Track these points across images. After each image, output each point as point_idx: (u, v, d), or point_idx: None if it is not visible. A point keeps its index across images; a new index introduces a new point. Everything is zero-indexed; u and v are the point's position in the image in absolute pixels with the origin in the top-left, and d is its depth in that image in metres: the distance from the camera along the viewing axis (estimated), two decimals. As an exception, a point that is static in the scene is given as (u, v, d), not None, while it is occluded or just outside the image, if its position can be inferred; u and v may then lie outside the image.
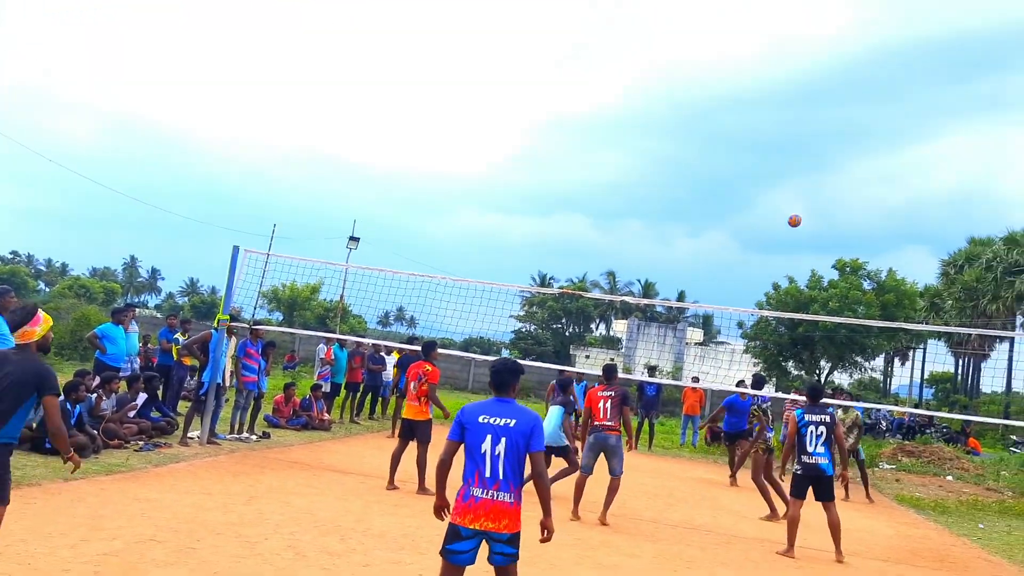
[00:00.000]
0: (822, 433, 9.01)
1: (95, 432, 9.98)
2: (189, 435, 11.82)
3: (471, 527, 4.49)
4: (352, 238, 32.24)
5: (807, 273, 35.66)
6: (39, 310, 5.15)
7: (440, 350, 11.22)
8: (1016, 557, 10.83)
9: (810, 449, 8.97)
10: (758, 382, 12.62)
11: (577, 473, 9.95)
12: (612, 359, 49.37)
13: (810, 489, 8.94)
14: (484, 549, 4.61)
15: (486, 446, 4.53)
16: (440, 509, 4.89)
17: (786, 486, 9.33)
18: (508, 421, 4.58)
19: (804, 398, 9.84)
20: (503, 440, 4.52)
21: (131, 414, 11.43)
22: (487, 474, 4.50)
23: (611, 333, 69.45)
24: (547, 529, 4.66)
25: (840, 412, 12.40)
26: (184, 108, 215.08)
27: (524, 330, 64.19)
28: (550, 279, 71.86)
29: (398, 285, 14.85)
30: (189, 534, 6.83)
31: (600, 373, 10.44)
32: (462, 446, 4.68)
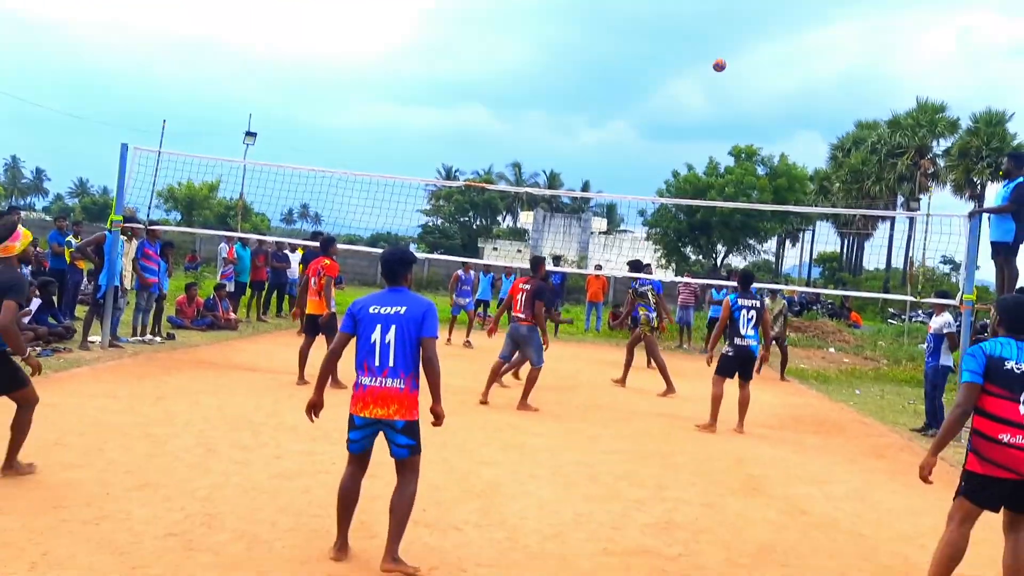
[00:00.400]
0: (752, 317, 9.56)
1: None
2: (89, 339, 11.58)
3: (363, 415, 4.52)
4: (248, 133, 31.08)
5: (706, 160, 36.55)
6: (19, 226, 5.48)
7: (348, 246, 11.32)
8: (887, 418, 11.86)
9: (743, 332, 9.54)
10: (635, 266, 13.07)
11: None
12: (519, 251, 49.95)
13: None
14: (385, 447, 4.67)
15: (375, 335, 4.53)
16: (313, 406, 4.82)
17: (713, 366, 9.82)
18: (398, 309, 4.58)
19: (735, 284, 10.43)
20: (392, 328, 4.53)
21: (25, 320, 11.08)
22: (376, 363, 4.51)
23: (518, 225, 69.81)
24: (436, 415, 4.69)
25: (769, 300, 12.83)
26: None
27: (431, 224, 63.90)
28: (456, 171, 71.21)
29: (300, 181, 14.57)
30: (96, 436, 6.83)
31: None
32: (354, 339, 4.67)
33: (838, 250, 55.87)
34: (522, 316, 9.94)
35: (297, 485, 6.01)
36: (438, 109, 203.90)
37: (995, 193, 10.08)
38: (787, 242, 61.13)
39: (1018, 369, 4.43)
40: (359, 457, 4.69)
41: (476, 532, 5.34)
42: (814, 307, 33.44)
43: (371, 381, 4.51)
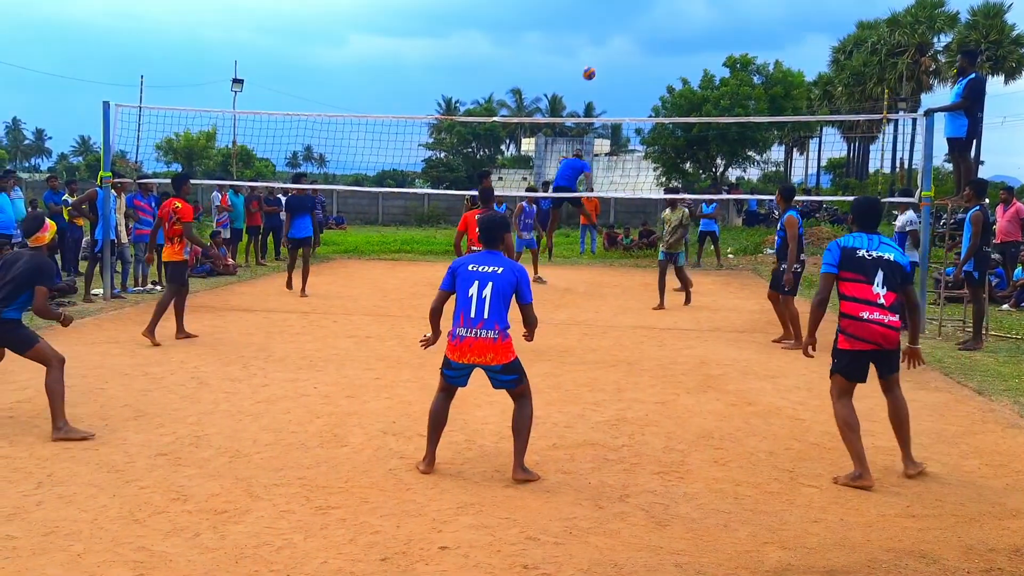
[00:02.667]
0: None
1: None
2: (93, 292, 12.16)
3: (460, 361, 5.11)
4: (236, 80, 31.16)
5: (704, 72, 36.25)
6: (46, 219, 6.24)
7: (354, 187, 11.55)
8: (860, 316, 12.30)
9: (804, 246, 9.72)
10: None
11: None
12: (524, 179, 50.00)
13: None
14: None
15: (473, 290, 5.08)
16: (431, 342, 5.46)
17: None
18: (496, 269, 5.15)
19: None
20: (489, 284, 5.08)
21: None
22: (472, 314, 5.04)
23: (521, 152, 69.61)
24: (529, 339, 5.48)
25: (668, 211, 12.68)
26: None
27: (435, 157, 63.85)
28: (456, 102, 70.72)
29: (300, 125, 14.90)
30: (97, 377, 7.42)
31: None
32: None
33: (845, 155, 55.64)
34: None
35: (279, 407, 6.58)
36: (434, 39, 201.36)
37: (950, 91, 10.31)
38: (794, 151, 60.94)
39: (868, 256, 5.19)
40: (452, 387, 5.30)
41: (439, 437, 5.89)
42: (816, 215, 33.64)
43: (467, 332, 5.06)
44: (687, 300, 12.76)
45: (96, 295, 12.17)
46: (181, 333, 9.37)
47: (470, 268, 5.18)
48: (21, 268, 5.91)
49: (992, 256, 12.08)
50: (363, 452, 5.53)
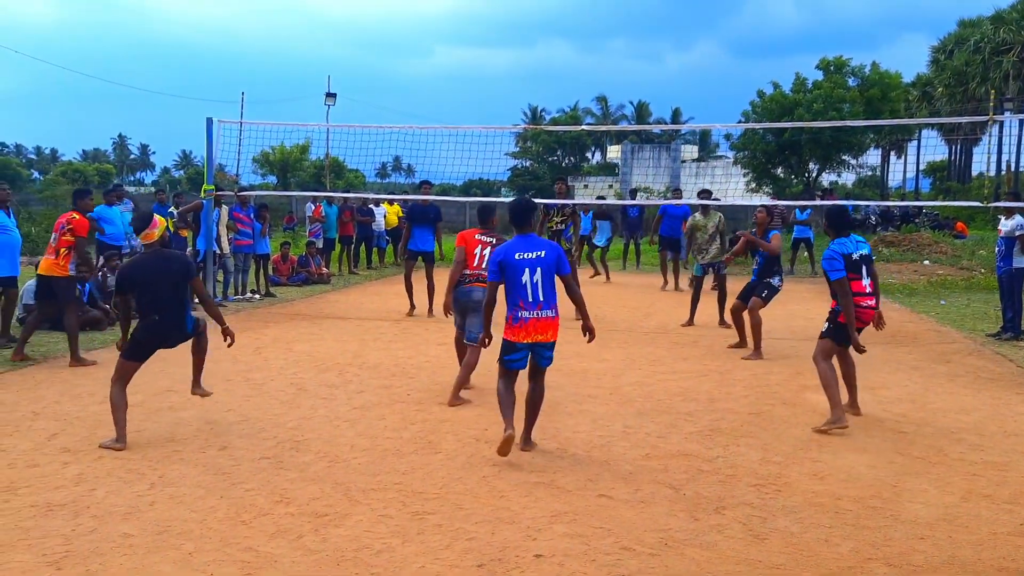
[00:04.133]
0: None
1: (107, 307, 10.81)
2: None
3: (525, 342, 5.61)
4: (329, 94, 32.04)
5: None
6: (155, 215, 6.30)
7: (443, 197, 11.44)
8: (966, 325, 11.82)
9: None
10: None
11: None
12: (610, 186, 49.80)
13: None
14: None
15: (526, 277, 5.58)
16: (484, 339, 6.06)
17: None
18: (539, 253, 5.64)
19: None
20: (539, 270, 5.59)
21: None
22: (530, 299, 5.57)
23: (607, 159, 69.34)
24: (590, 331, 5.78)
25: (699, 216, 11.80)
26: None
27: (520, 166, 64.21)
28: (541, 111, 70.98)
29: (389, 136, 15.24)
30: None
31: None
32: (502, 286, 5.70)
33: (946, 158, 53.34)
34: (480, 278, 7.31)
35: (374, 414, 6.73)
36: (519, 49, 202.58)
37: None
38: (891, 154, 58.81)
39: (856, 256, 6.51)
40: (514, 373, 5.80)
41: (530, 445, 5.92)
42: (915, 220, 32.37)
43: (530, 314, 5.59)
44: (721, 320, 11.38)
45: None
46: (76, 361, 8.56)
47: (516, 257, 5.64)
48: (166, 274, 5.99)
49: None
50: (456, 458, 5.60)
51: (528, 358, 5.71)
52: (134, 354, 6.00)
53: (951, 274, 18.56)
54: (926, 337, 10.85)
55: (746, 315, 9.43)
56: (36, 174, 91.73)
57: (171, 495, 4.86)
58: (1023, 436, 6.25)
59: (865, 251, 6.60)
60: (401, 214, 15.68)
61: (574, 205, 13.53)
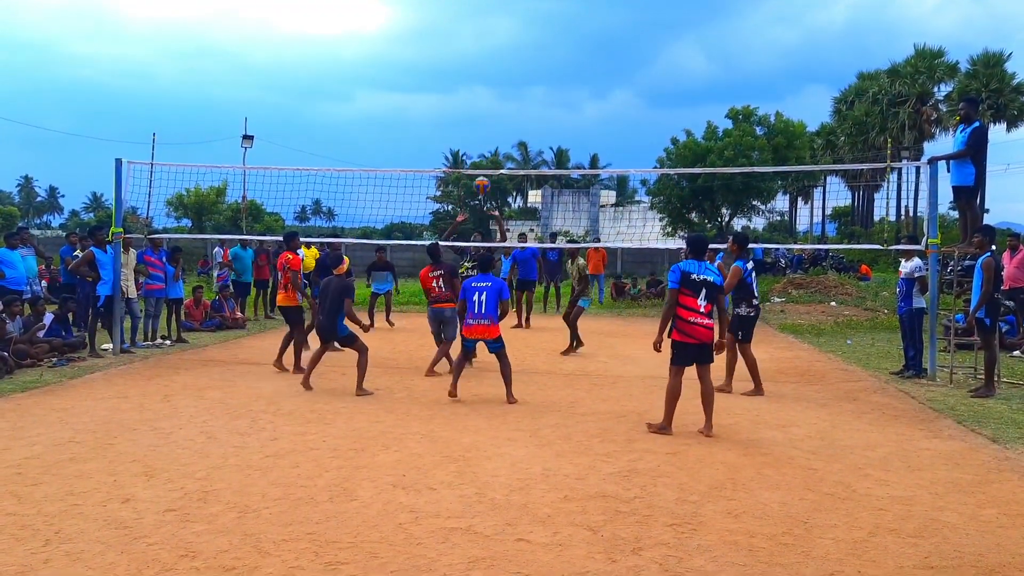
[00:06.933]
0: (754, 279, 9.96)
1: (4, 354, 10.29)
2: (102, 347, 12.19)
3: (471, 338, 9.22)
4: (246, 136, 31.61)
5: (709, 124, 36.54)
6: (343, 256, 10.25)
7: (362, 240, 12.29)
8: (871, 364, 12.25)
9: (756, 293, 9.99)
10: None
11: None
12: (531, 230, 50.27)
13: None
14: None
15: (476, 297, 9.09)
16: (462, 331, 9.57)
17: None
18: (487, 284, 9.19)
19: (733, 247, 9.84)
20: (484, 293, 9.08)
21: (40, 334, 11.71)
22: (475, 311, 9.07)
23: (528, 204, 70.09)
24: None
25: (569, 262, 13.87)
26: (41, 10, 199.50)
27: (442, 210, 64.31)
28: (463, 155, 71.49)
29: (308, 179, 15.06)
30: (106, 433, 7.40)
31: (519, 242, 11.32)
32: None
33: (850, 204, 55.80)
34: (444, 299, 10.85)
35: (288, 462, 6.54)
36: (441, 95, 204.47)
37: (953, 139, 10.37)
38: (799, 200, 61.18)
39: (696, 278, 7.46)
40: (469, 352, 9.57)
41: (448, 491, 5.84)
42: (822, 263, 33.61)
43: (475, 321, 9.10)
44: (568, 350, 13.14)
45: (105, 350, 12.20)
46: (278, 361, 11.21)
47: (473, 285, 9.23)
48: (335, 290, 9.55)
49: (1004, 303, 12.05)
50: (372, 506, 5.48)
51: (476, 346, 9.43)
52: None
53: (856, 315, 19.30)
54: (833, 376, 11.21)
55: (740, 359, 9.79)
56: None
57: (67, 552, 4.61)
58: (927, 471, 6.48)
59: (710, 277, 7.50)
60: (318, 255, 15.47)
61: (492, 247, 13.98)
